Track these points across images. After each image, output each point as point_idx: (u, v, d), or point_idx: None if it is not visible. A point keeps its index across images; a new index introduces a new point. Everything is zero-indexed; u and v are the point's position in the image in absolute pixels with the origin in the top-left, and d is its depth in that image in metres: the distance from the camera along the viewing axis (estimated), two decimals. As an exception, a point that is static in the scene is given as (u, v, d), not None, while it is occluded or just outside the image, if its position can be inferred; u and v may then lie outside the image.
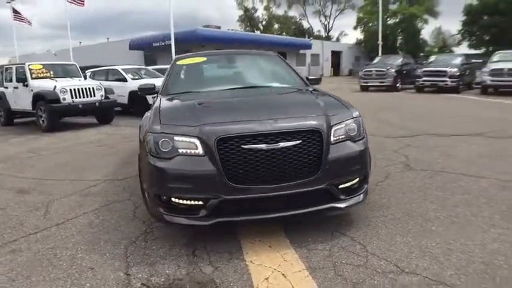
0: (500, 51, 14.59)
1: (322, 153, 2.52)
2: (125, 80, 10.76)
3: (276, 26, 58.86)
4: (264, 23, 58.50)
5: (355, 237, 2.63)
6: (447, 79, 14.34)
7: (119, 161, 5.20)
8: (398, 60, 18.12)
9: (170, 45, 25.34)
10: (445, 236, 2.61)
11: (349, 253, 2.42)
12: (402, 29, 44.09)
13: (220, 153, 2.40)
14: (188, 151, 2.47)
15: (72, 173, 4.65)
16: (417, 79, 15.33)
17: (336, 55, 44.81)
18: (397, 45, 46.75)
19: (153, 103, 3.31)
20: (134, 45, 28.84)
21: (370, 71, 17.19)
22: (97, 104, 8.74)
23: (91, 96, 8.67)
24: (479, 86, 14.23)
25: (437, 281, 2.08)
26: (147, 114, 3.08)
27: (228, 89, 3.57)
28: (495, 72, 12.52)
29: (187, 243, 2.62)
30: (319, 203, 2.57)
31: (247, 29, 55.05)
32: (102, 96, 8.92)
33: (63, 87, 8.25)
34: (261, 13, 58.72)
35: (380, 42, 25.91)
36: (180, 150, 2.48)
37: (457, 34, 44.00)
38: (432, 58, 17.15)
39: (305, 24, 58.66)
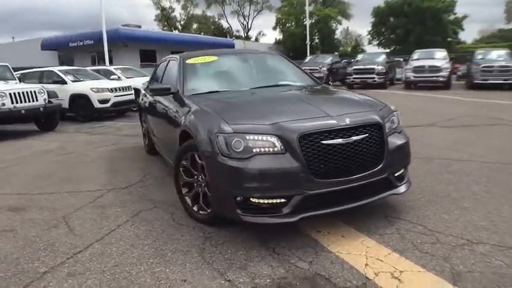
0: (418, 50, 16.43)
1: (383, 145, 2.70)
2: (64, 82, 9.79)
3: (195, 25, 58.24)
4: (182, 22, 57.47)
5: (411, 219, 2.86)
6: (375, 76, 15.74)
7: (104, 169, 4.78)
8: (328, 59, 19.35)
9: (89, 45, 23.71)
10: (479, 211, 2.97)
11: (417, 234, 2.64)
12: (318, 29, 46.88)
13: (303, 150, 2.42)
14: (266, 149, 2.44)
15: (61, 184, 4.16)
16: (348, 76, 16.54)
17: (258, 55, 45.82)
18: (314, 44, 49.61)
19: (162, 103, 3.20)
20: (47, 45, 26.16)
21: (305, 70, 18.03)
22: (41, 109, 7.83)
23: (33, 101, 7.73)
24: (401, 82, 15.92)
25: (506, 247, 2.39)
26: (178, 115, 3.08)
27: (258, 88, 3.57)
28: (417, 69, 14.13)
29: (260, 244, 2.58)
30: (382, 191, 2.75)
31: (165, 28, 53.49)
32: (45, 100, 8.01)
33: (2, 91, 7.23)
34: (178, 13, 57.56)
35: (308, 42, 27.21)
36: (256, 149, 2.44)
37: (367, 35, 48.34)
38: (359, 57, 18.62)
39: (224, 24, 59.03)
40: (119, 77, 11.60)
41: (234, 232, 2.75)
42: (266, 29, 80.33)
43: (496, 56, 14.45)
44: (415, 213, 2.96)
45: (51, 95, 8.49)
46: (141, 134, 7.18)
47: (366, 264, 2.28)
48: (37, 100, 7.81)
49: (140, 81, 11.56)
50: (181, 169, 3.04)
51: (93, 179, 4.32)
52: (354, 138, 2.56)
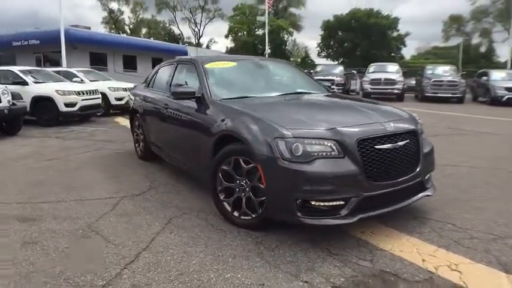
0: (374, 64, 17.54)
1: (419, 150, 2.92)
2: (24, 83, 9.05)
3: (144, 30, 56.77)
4: (131, 26, 55.72)
5: (438, 219, 3.09)
6: (334, 87, 16.47)
7: (102, 176, 4.53)
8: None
9: (34, 45, 22.13)
10: (491, 209, 3.30)
11: (451, 231, 2.86)
12: (271, 39, 47.96)
13: (360, 154, 2.55)
14: (325, 153, 2.53)
15: (63, 192, 3.87)
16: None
17: (210, 62, 45.71)
18: (267, 54, 50.65)
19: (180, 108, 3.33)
20: (-16, 44, 23.94)
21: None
22: (6, 111, 7.19)
23: (-4, 103, 7.10)
24: (354, 93, 16.87)
25: (533, 240, 2.70)
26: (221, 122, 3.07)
27: (285, 94, 3.65)
28: (374, 82, 15.07)
29: (313, 246, 2.64)
30: (417, 193, 2.95)
31: (113, 31, 51.52)
32: (9, 102, 7.38)
33: (-37, 91, 6.55)
34: (127, 16, 55.77)
35: (267, 51, 27.65)
36: (315, 154, 2.52)
37: (317, 47, 50.34)
38: (319, 68, 19.38)
39: (176, 30, 58.21)
40: (81, 80, 10.98)
41: (280, 236, 2.79)
42: (217, 37, 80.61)
43: (442, 71, 15.87)
44: (439, 214, 3.20)
45: (16, 96, 7.83)
46: (121, 139, 6.99)
47: (423, 260, 2.44)
48: (0, 102, 7.17)
49: (105, 85, 11.10)
50: (220, 174, 3.01)
51: (97, 186, 4.09)
52: (399, 143, 2.74)
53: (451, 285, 2.18)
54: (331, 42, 49.23)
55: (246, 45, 48.15)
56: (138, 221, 3.12)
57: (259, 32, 50.54)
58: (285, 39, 49.46)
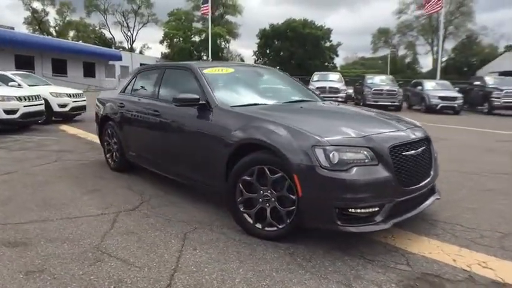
0: (317, 73, 18.26)
1: (431, 156, 3.08)
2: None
3: (72, 33, 53.15)
4: (57, 28, 51.76)
5: (446, 220, 3.26)
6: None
7: (79, 190, 4.08)
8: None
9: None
10: (486, 209, 3.58)
11: (462, 231, 3.04)
12: (208, 46, 47.74)
13: (393, 160, 2.61)
14: (361, 161, 2.55)
15: (42, 210, 3.40)
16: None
17: (145, 68, 44.19)
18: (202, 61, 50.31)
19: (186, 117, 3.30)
20: None
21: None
22: None
23: None
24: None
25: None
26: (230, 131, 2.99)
27: (293, 102, 3.65)
28: (319, 90, 15.67)
29: (346, 254, 2.63)
30: (429, 196, 3.10)
31: (37, 33, 47.43)
32: None
33: None
34: (53, 17, 51.76)
35: (210, 58, 27.39)
36: (352, 161, 2.53)
37: (253, 55, 51.25)
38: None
39: (107, 34, 55.36)
40: (19, 84, 9.89)
41: (307, 246, 2.74)
42: (151, 43, 78.15)
43: (379, 80, 17.07)
44: (443, 215, 3.39)
45: None
46: (79, 149, 6.43)
47: (454, 260, 2.56)
48: None
49: (47, 90, 10.14)
50: (240, 185, 2.88)
51: (78, 202, 3.67)
52: (419, 150, 2.87)
53: (490, 281, 2.31)
54: (268, 51, 50.54)
55: (182, 51, 47.37)
56: (150, 239, 2.85)
57: (196, 38, 50.15)
58: (222, 46, 49.60)
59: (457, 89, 16.00)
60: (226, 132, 3.05)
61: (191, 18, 50.50)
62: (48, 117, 9.86)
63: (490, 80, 15.97)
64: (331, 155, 2.49)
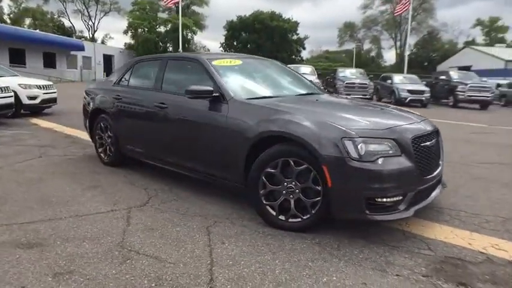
0: (290, 65, 18.26)
1: (440, 147, 3.23)
2: None
3: (28, 21, 50.08)
4: (11, 15, 48.53)
5: (451, 207, 3.44)
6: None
7: (75, 186, 3.90)
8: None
9: None
10: (482, 197, 3.81)
11: (468, 217, 3.23)
12: (174, 37, 46.58)
13: (415, 151, 2.72)
14: (386, 152, 2.63)
15: (43, 209, 3.22)
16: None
17: (107, 59, 42.67)
18: (168, 52, 49.12)
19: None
20: None
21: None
22: None
23: None
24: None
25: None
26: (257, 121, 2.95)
27: (304, 94, 3.69)
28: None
29: (369, 242, 2.73)
30: (438, 185, 3.25)
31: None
32: None
33: None
34: (7, 4, 48.45)
35: (180, 50, 26.75)
36: (378, 152, 2.60)
37: (220, 47, 50.73)
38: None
39: (66, 23, 52.65)
40: (-17, 75, 9.22)
41: (332, 235, 2.81)
42: (114, 33, 75.27)
43: (350, 74, 17.49)
44: (446, 203, 3.56)
45: None
46: (61, 144, 6.17)
47: (469, 243, 2.72)
48: None
49: (15, 82, 9.55)
50: (263, 177, 2.89)
51: (81, 199, 3.52)
52: (433, 141, 3.00)
53: (507, 261, 2.48)
54: (235, 43, 50.22)
55: (147, 42, 45.93)
56: (173, 234, 2.79)
57: (161, 29, 48.82)
58: (189, 37, 48.67)
59: (424, 82, 16.73)
60: (246, 125, 3.03)
61: (156, 8, 48.97)
62: (17, 110, 9.30)
63: (454, 75, 16.84)
64: (359, 147, 2.56)
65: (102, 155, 4.85)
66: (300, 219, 2.82)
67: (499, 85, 19.40)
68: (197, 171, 3.56)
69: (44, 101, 9.78)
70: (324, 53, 63.05)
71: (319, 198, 2.73)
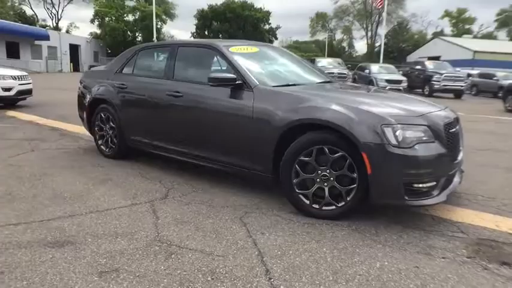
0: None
1: (461, 133, 3.30)
2: None
3: (-15, 7, 46.79)
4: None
5: (466, 192, 3.53)
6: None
7: (83, 179, 3.71)
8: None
9: None
10: (492, 181, 3.97)
11: (485, 201, 3.35)
12: (143, 27, 45.20)
13: (446, 137, 2.77)
14: (421, 138, 2.66)
15: (56, 205, 3.04)
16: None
17: (74, 49, 40.90)
18: (138, 42, 47.61)
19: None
20: None
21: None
22: None
23: None
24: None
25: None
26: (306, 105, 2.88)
27: (323, 82, 3.65)
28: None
29: (404, 226, 2.78)
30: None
31: None
32: None
33: None
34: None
35: (155, 38, 25.94)
36: (415, 139, 2.63)
37: (191, 36, 49.78)
38: None
39: (28, 11, 49.74)
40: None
41: (366, 221, 2.83)
42: (79, 22, 71.80)
43: (327, 63, 17.66)
44: (462, 187, 3.52)
45: None
46: (49, 137, 5.90)
47: (496, 225, 2.82)
48: None
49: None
50: (296, 166, 2.86)
51: (96, 193, 3.35)
52: (457, 127, 3.07)
53: (537, 241, 2.59)
54: (206, 32, 49.44)
55: (114, 31, 44.33)
56: (208, 227, 2.71)
57: (129, 17, 47.28)
58: (159, 26, 47.40)
59: (401, 72, 17.18)
60: (275, 113, 2.98)
61: (124, -4, 47.25)
62: (-10, 102, 8.75)
63: (430, 65, 17.40)
64: (397, 133, 2.57)
65: (103, 147, 4.64)
66: (334, 207, 2.82)
67: (469, 75, 20.26)
68: (217, 161, 3.47)
69: (19, 93, 9.21)
70: (293, 43, 63.24)
71: (354, 185, 2.73)
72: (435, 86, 15.95)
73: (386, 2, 24.03)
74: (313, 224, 2.79)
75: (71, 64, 39.24)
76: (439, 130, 2.75)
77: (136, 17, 45.13)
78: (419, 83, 16.98)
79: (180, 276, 2.07)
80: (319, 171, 2.81)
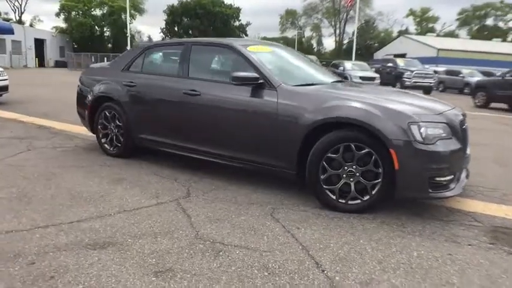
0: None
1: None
2: None
3: None
4: None
5: (470, 184, 3.69)
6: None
7: (96, 179, 3.64)
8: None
9: None
10: (488, 173, 4.24)
11: (489, 191, 3.63)
12: (111, 22, 43.80)
13: (461, 133, 2.98)
14: (442, 135, 2.85)
15: (80, 205, 2.99)
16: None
17: (39, 43, 39.06)
18: (106, 37, 46.18)
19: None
20: None
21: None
22: None
23: None
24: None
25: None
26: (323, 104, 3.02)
27: (337, 81, 3.78)
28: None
29: (424, 218, 2.96)
30: (465, 164, 3.58)
31: None
32: None
33: None
34: None
35: (128, 35, 25.16)
36: (436, 136, 2.82)
37: (160, 32, 48.77)
38: None
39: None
40: None
41: (389, 214, 2.99)
42: (44, 15, 68.29)
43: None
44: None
45: None
46: (42, 135, 5.74)
47: (506, 214, 3.07)
48: None
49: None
50: (324, 162, 2.97)
51: (116, 193, 3.30)
52: (466, 124, 3.29)
53: (546, 227, 2.86)
54: (176, 28, 48.63)
55: (81, 26, 42.64)
56: (244, 224, 2.76)
57: (97, 12, 45.65)
58: (129, 22, 46.04)
59: (373, 69, 17.76)
60: (301, 112, 3.07)
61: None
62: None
63: (401, 62, 18.11)
64: (421, 130, 2.75)
65: (106, 146, 4.55)
66: (359, 201, 2.96)
67: (435, 72, 21.25)
68: (237, 159, 3.52)
69: (-5, 89, 8.78)
70: (261, 40, 63.31)
71: (379, 180, 2.88)
72: (406, 83, 16.65)
73: (358, 0, 24.63)
74: (340, 217, 2.91)
75: (37, 59, 37.45)
76: (456, 127, 2.95)
77: (105, 12, 43.57)
78: (391, 80, 17.64)
79: (237, 273, 2.12)
80: (346, 167, 2.93)
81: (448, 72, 21.06)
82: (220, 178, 3.78)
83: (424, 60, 22.73)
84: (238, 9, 47.78)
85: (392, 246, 2.48)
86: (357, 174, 2.92)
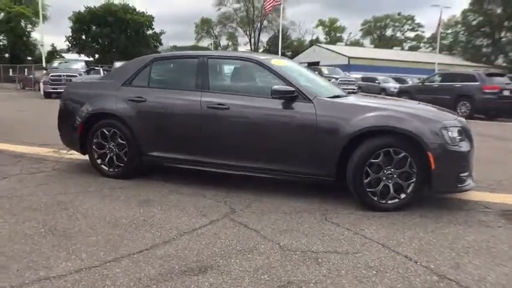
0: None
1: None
2: None
3: None
4: None
5: (476, 178, 4.43)
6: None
7: (120, 204, 3.41)
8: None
9: None
10: (488, 168, 4.76)
11: (496, 184, 4.22)
12: (9, 29, 38.91)
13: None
14: (460, 137, 3.35)
15: (136, 232, 2.84)
16: (46, 85, 16.05)
17: None
18: (1, 46, 40.99)
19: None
20: None
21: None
22: None
23: None
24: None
25: None
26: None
27: (349, 93, 4.13)
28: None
29: (447, 210, 3.43)
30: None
31: None
32: None
33: None
34: None
35: (42, 44, 22.56)
36: (458, 138, 3.31)
37: (65, 41, 44.89)
38: (55, 63, 18.73)
39: None
40: None
41: (419, 209, 3.36)
42: None
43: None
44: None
45: None
46: (29, 154, 5.02)
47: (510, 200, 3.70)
48: None
49: None
50: (367, 167, 3.26)
51: (153, 216, 3.14)
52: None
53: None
54: (84, 37, 45.37)
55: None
56: (311, 231, 2.89)
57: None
58: (29, 29, 41.65)
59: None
60: (340, 122, 3.32)
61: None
62: None
63: (325, 70, 19.55)
64: (449, 134, 3.21)
65: (103, 167, 4.22)
66: (397, 200, 3.31)
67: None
68: (270, 171, 3.61)
69: None
70: (171, 48, 62.29)
71: (413, 179, 3.27)
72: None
73: (281, 6, 25.83)
74: (386, 216, 3.22)
75: None
76: (467, 130, 3.49)
77: (1, 18, 38.59)
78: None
79: (351, 275, 2.26)
80: (385, 171, 3.26)
81: (364, 79, 23.38)
82: (245, 191, 3.80)
83: (341, 68, 24.77)
84: (151, 17, 46.37)
85: (447, 235, 2.86)
86: (395, 176, 3.27)
